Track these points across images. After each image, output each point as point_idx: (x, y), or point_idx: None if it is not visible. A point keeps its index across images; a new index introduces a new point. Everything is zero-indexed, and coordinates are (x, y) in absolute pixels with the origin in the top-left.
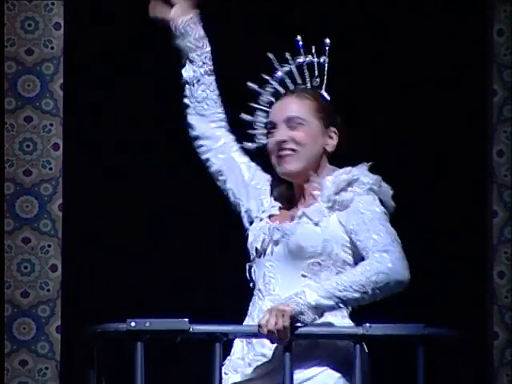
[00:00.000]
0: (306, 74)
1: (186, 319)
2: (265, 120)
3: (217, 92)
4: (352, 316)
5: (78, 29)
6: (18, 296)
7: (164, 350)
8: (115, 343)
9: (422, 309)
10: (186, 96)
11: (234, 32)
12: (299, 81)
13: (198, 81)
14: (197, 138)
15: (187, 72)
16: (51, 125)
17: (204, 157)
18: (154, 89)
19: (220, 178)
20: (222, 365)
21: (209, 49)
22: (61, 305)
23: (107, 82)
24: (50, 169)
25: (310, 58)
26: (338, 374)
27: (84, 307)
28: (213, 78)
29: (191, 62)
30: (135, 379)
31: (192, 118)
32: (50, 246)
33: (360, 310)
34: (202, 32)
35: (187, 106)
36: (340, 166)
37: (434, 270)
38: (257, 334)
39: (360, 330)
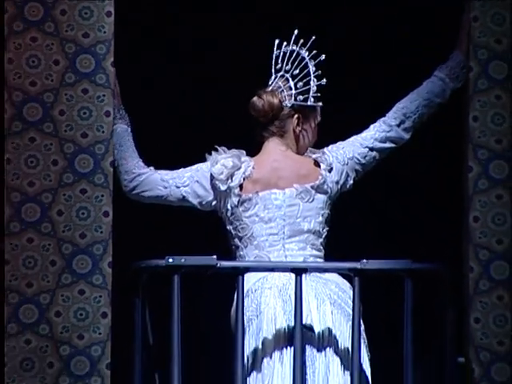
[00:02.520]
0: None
1: (215, 256)
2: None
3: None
4: (351, 253)
5: (125, 15)
6: (77, 237)
7: (197, 284)
8: (156, 276)
9: (409, 247)
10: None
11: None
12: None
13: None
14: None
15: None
16: (103, 95)
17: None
18: (193, 69)
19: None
20: (243, 294)
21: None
22: (112, 244)
23: (151, 61)
24: (103, 132)
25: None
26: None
27: (131, 246)
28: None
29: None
30: (172, 307)
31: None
32: (102, 195)
33: (357, 248)
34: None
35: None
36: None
37: (421, 216)
38: (273, 269)
39: (358, 265)
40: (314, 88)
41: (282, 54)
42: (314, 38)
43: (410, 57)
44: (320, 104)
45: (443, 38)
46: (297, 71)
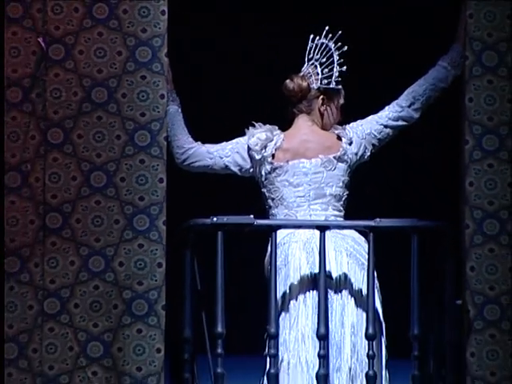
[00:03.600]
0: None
1: (252, 215)
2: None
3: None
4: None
5: (176, 14)
6: (136, 200)
7: (237, 239)
8: (203, 233)
9: (416, 209)
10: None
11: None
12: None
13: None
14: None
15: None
16: (159, 81)
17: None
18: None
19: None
20: (276, 248)
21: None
22: (166, 205)
23: (201, 51)
24: (158, 111)
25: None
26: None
27: (182, 207)
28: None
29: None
30: (216, 258)
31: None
32: (158, 165)
33: (373, 211)
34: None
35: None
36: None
37: (426, 182)
38: (300, 226)
39: (373, 223)
40: (336, 74)
41: (314, 45)
42: (340, 32)
43: (407, 56)
44: (340, 87)
45: (439, 37)
46: (324, 59)
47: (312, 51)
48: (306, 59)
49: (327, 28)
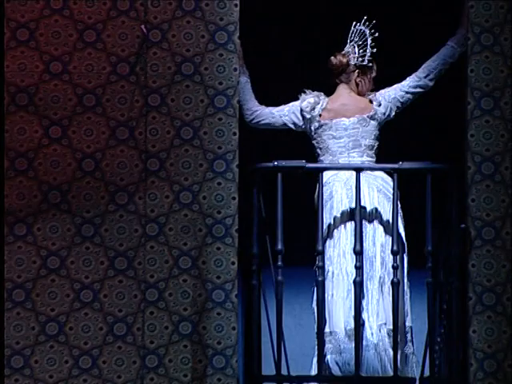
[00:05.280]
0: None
1: (304, 160)
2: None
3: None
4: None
5: (246, 7)
6: (215, 148)
7: (293, 179)
8: (267, 173)
9: (430, 155)
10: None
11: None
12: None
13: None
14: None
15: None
16: (232, 58)
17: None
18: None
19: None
20: (323, 185)
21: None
22: (238, 153)
23: (266, 37)
24: (232, 81)
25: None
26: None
27: (250, 154)
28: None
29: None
30: (277, 194)
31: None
32: (232, 122)
33: (396, 155)
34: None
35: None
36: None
37: (438, 134)
38: (342, 168)
39: (397, 166)
40: (368, 53)
41: (354, 31)
42: (374, 21)
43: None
44: (371, 64)
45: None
46: (360, 42)
47: (353, 35)
48: (348, 41)
49: (365, 17)
